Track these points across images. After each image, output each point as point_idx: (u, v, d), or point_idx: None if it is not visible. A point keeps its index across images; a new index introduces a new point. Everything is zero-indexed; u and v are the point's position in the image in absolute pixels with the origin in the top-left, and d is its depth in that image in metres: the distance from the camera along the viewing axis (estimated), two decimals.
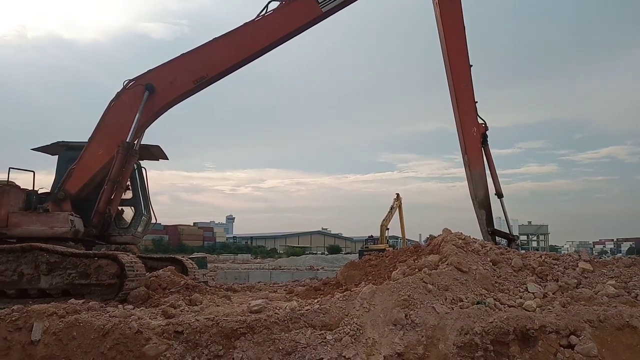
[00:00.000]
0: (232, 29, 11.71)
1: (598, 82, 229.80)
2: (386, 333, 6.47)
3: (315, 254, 66.02)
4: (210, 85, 12.18)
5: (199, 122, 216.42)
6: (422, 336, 6.42)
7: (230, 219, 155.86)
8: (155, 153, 13.39)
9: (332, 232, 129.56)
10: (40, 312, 6.59)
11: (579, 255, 9.20)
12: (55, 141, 12.34)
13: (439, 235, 9.74)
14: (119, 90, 11.83)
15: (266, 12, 11.68)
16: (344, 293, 7.38)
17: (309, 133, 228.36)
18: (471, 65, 12.30)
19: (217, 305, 8.64)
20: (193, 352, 6.15)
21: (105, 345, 6.18)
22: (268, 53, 12.14)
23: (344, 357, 6.08)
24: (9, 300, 9.80)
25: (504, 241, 12.01)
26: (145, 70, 11.87)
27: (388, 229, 50.12)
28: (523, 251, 11.11)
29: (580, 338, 6.34)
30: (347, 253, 70.83)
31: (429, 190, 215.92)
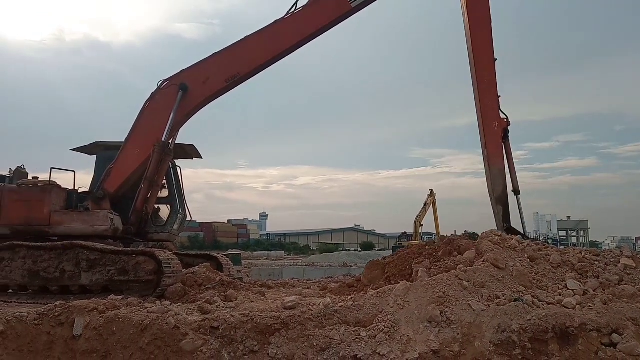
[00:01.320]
0: (262, 27, 11.76)
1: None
2: (421, 330, 6.42)
3: (349, 250, 65.94)
4: (243, 84, 12.34)
5: (232, 121, 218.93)
6: (458, 333, 6.34)
7: (264, 216, 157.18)
8: (190, 152, 13.60)
9: (365, 229, 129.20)
10: (81, 308, 6.77)
11: (621, 251, 8.88)
12: (94, 142, 12.67)
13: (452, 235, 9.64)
14: (153, 91, 12.07)
15: (295, 9, 11.64)
16: (378, 290, 7.35)
17: (341, 130, 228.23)
18: (496, 59, 11.94)
19: (252, 302, 8.73)
20: (229, 348, 6.23)
21: (143, 340, 6.31)
22: (301, 49, 12.16)
23: (379, 354, 6.06)
24: (52, 297, 10.15)
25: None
26: (179, 71, 12.08)
27: (422, 225, 49.65)
28: (562, 247, 10.84)
29: (623, 336, 6.14)
30: (381, 250, 70.41)
31: (464, 185, 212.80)
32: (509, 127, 12.01)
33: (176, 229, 13.06)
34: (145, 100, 12.16)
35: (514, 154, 12.05)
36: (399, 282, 7.49)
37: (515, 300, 6.80)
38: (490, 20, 11.93)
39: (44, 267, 10.63)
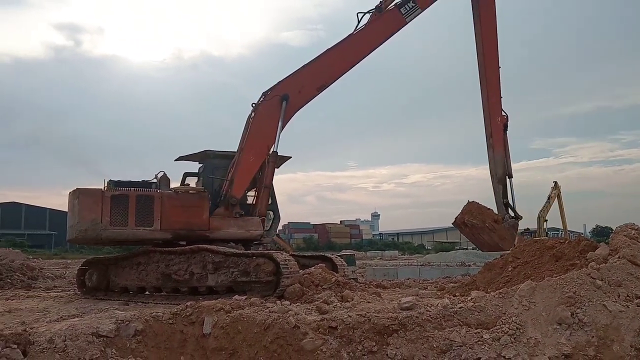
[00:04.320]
0: (339, 42, 13.47)
1: None
2: (550, 333, 5.99)
3: (466, 249, 63.48)
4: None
5: (339, 122, 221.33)
6: (593, 336, 5.83)
7: (376, 215, 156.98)
8: (280, 161, 14.20)
9: None
10: (209, 308, 7.19)
11: None
12: (202, 150, 13.42)
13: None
14: (257, 102, 12.85)
15: (359, 26, 13.48)
16: (500, 290, 6.98)
17: (451, 124, 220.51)
18: (499, 67, 14.98)
19: (368, 302, 8.71)
20: (347, 348, 6.27)
21: (267, 339, 6.54)
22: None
23: (504, 357, 5.75)
24: (182, 297, 10.95)
25: None
26: (276, 82, 12.97)
27: (547, 220, 46.44)
28: None
29: None
30: None
31: (592, 175, 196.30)
32: (507, 123, 15.12)
33: (275, 233, 13.92)
34: (251, 110, 12.91)
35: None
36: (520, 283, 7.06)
37: None
38: (497, 32, 14.78)
39: (175, 270, 11.51)
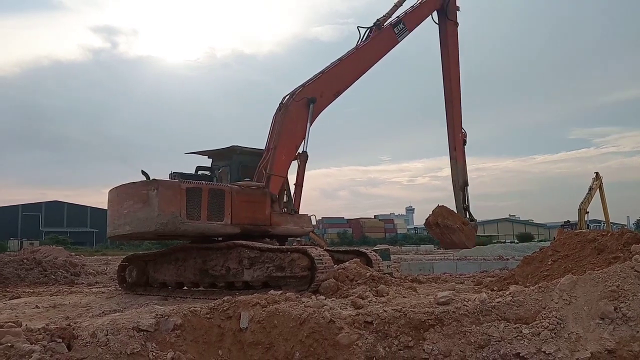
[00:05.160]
0: (347, 52, 14.73)
1: None
2: (592, 328, 5.82)
3: (504, 242, 62.29)
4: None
5: (371, 117, 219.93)
6: (638, 332, 5.64)
7: (410, 210, 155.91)
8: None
9: (521, 219, 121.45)
10: (246, 302, 7.27)
11: None
12: (230, 145, 13.40)
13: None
14: (284, 102, 13.14)
15: (360, 41, 15.00)
16: (540, 284, 6.82)
17: (486, 115, 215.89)
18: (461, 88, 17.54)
19: (404, 297, 8.66)
20: (383, 342, 6.24)
21: (302, 333, 6.58)
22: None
23: (544, 352, 5.62)
24: (219, 292, 11.10)
25: None
26: (299, 85, 13.52)
27: (588, 212, 44.99)
28: None
29: None
30: (540, 241, 65.41)
31: (635, 165, 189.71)
32: (466, 139, 17.56)
33: None
34: (278, 109, 13.19)
35: None
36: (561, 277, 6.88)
37: None
38: (459, 60, 17.44)
39: (212, 265, 11.67)
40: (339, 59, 14.47)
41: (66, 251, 26.53)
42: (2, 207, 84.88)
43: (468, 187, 17.61)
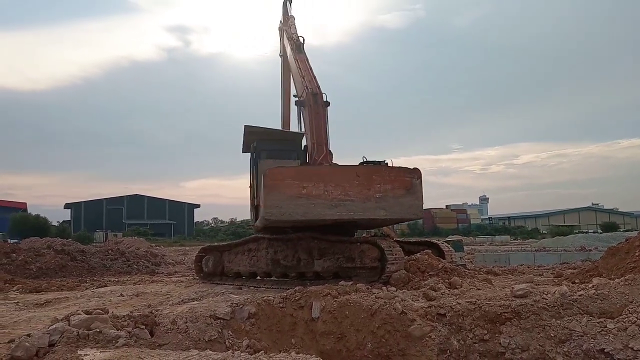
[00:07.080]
0: None
1: None
2: None
3: (586, 232, 59.08)
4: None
5: (440, 102, 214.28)
6: None
7: (484, 199, 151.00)
8: None
9: (605, 208, 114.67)
10: (317, 293, 7.37)
11: None
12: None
13: None
14: (309, 102, 13.11)
15: None
16: (626, 277, 6.41)
17: (564, 98, 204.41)
18: None
19: (478, 289, 8.43)
20: (457, 335, 6.12)
21: (374, 324, 6.57)
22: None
23: (632, 348, 5.27)
24: (290, 282, 11.30)
25: None
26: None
27: None
28: None
29: None
30: (627, 230, 61.42)
31: None
32: None
33: None
34: (301, 108, 13.60)
35: None
36: None
37: None
38: None
39: (283, 256, 11.89)
40: None
41: (147, 242, 28.01)
42: (88, 201, 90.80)
43: None
